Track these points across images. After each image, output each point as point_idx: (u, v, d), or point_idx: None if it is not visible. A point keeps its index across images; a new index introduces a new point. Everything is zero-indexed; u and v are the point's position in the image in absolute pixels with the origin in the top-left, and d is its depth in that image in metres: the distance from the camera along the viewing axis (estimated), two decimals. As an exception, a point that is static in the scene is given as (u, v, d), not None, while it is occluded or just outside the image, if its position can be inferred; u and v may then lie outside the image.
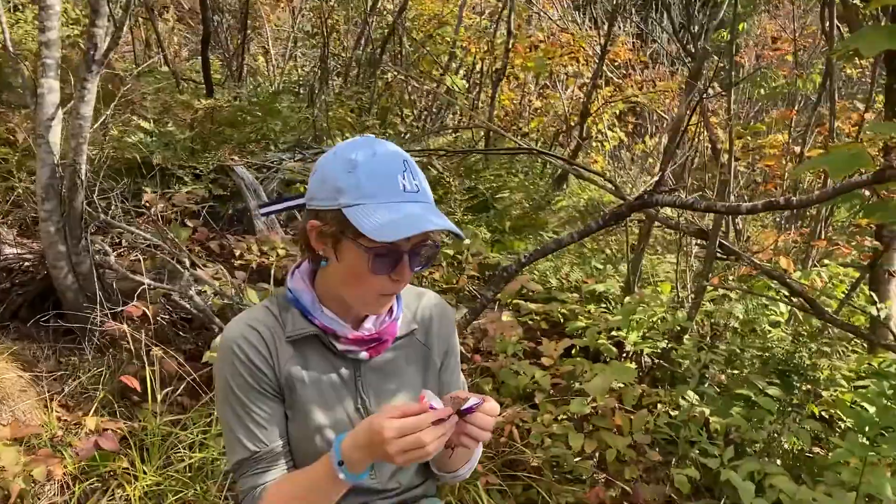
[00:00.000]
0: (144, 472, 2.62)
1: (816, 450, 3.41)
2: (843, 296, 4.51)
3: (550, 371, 3.21)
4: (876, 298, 4.27)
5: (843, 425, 3.59)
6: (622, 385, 3.10)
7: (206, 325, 3.00)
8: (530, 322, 3.81)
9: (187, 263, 2.86)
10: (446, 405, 1.27)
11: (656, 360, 3.82)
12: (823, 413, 3.53)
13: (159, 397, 2.81)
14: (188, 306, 2.87)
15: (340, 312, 1.43)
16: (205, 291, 2.89)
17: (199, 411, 2.87)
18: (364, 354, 1.44)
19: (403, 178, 1.31)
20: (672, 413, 3.13)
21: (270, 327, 1.41)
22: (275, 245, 3.51)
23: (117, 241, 3.10)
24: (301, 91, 7.47)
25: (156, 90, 4.93)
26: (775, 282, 3.82)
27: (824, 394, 3.65)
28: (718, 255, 3.48)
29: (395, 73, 7.59)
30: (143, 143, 3.64)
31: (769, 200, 2.14)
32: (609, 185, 3.30)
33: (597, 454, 3.02)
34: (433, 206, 1.35)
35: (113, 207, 3.00)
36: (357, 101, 6.70)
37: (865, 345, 4.35)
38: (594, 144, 8.55)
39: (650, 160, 9.57)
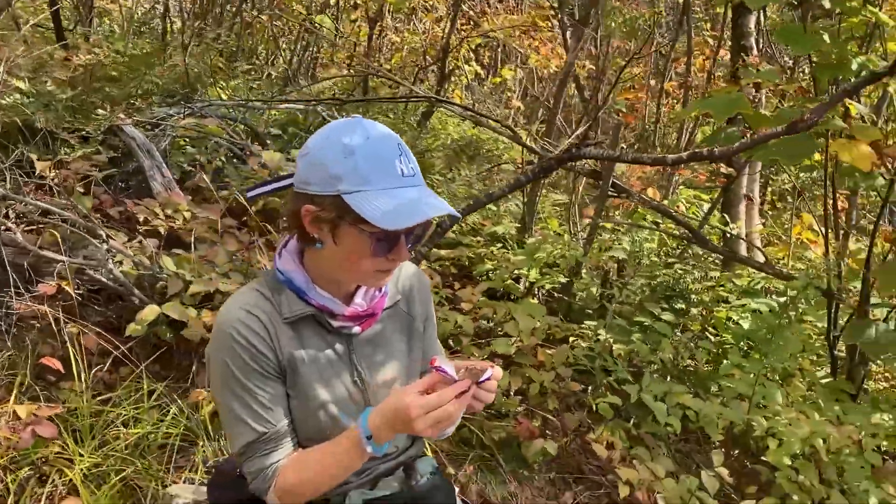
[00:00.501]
0: (81, 455, 2.54)
1: (706, 367, 3.79)
2: (701, 218, 4.94)
3: (470, 315, 3.36)
4: (728, 219, 4.75)
5: (719, 339, 4.01)
6: (538, 322, 3.31)
7: (123, 297, 2.88)
8: (440, 268, 3.93)
9: (103, 235, 2.71)
10: (460, 374, 1.36)
11: (556, 294, 4.08)
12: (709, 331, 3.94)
13: (84, 376, 2.70)
14: (105, 280, 2.73)
15: (332, 291, 1.46)
16: (121, 263, 2.76)
17: (129, 386, 2.78)
18: (356, 329, 1.49)
19: (400, 163, 1.34)
20: (583, 344, 3.40)
21: (266, 311, 1.42)
22: (179, 207, 3.38)
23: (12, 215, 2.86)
24: (152, 32, 7.01)
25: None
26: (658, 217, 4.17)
27: (696, 311, 4.07)
28: (609, 193, 3.72)
29: (258, 12, 7.28)
30: (21, 104, 3.33)
31: (694, 152, 2.36)
32: (520, 138, 3.41)
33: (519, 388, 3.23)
34: (428, 189, 1.39)
35: (7, 179, 2.76)
36: (223, 44, 6.38)
37: (718, 262, 4.86)
38: (452, 79, 8.71)
39: (507, 93, 9.90)
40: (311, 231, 1.38)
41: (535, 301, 3.96)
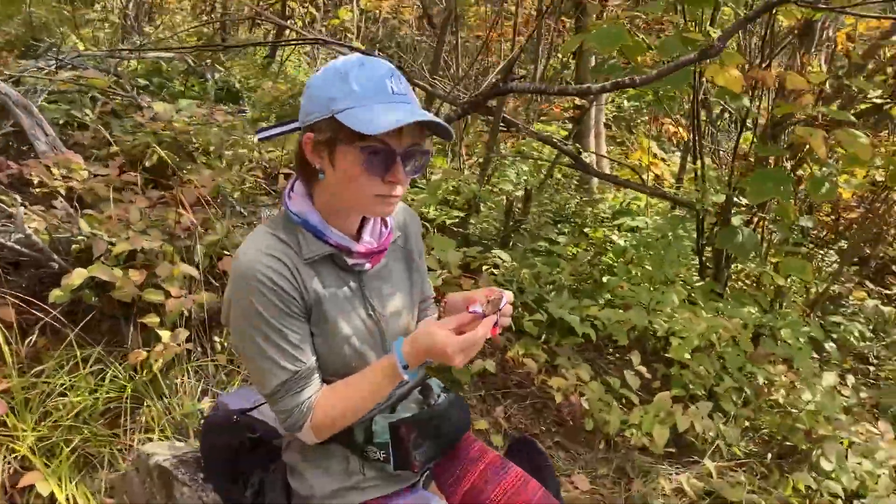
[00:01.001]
0: (24, 430, 2.43)
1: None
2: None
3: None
4: (581, 148, 5.15)
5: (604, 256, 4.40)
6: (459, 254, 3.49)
7: (40, 264, 2.72)
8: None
9: (18, 200, 2.53)
10: (483, 307, 1.50)
11: (455, 228, 4.27)
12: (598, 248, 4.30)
13: (9, 350, 2.55)
14: (19, 248, 2.57)
15: (343, 228, 1.54)
16: (37, 229, 2.60)
17: (60, 356, 2.66)
18: (367, 265, 1.58)
19: (391, 82, 1.42)
20: (495, 272, 3.63)
21: (287, 252, 1.47)
22: (74, 166, 3.20)
23: None
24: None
25: None
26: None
27: (589, 232, 4.44)
28: (501, 128, 3.93)
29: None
30: None
31: (616, 81, 2.58)
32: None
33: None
34: (420, 108, 1.48)
35: None
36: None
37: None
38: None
39: (347, 35, 9.84)
40: (312, 161, 1.45)
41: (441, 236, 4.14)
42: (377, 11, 9.05)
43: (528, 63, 6.53)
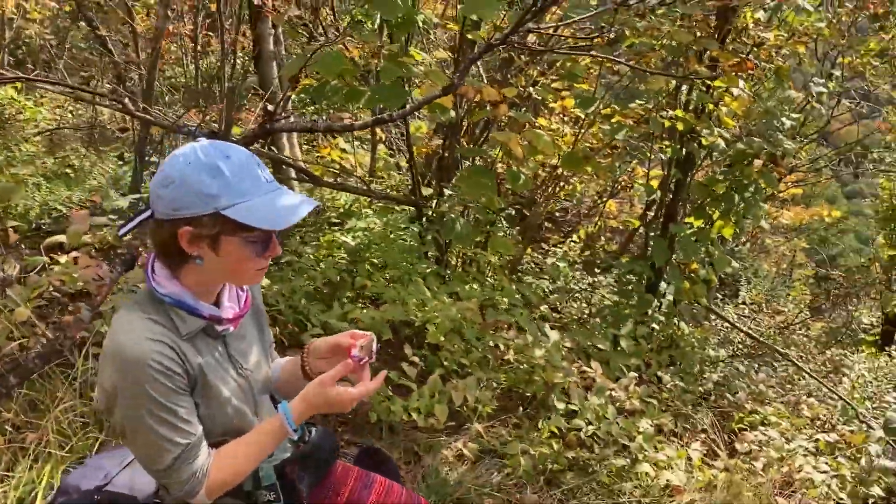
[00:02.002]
0: None
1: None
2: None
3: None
4: (276, 150, 5.39)
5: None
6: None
7: None
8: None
9: None
10: (360, 352, 1.75)
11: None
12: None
13: None
14: None
15: (207, 300, 1.69)
16: None
17: None
18: (231, 328, 1.74)
19: (261, 171, 1.59)
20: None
21: (166, 334, 1.55)
22: None
23: None
24: None
25: None
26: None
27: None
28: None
29: None
30: None
31: (378, 118, 2.85)
32: (131, 110, 3.39)
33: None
34: (289, 190, 1.68)
35: None
36: None
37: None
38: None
39: None
40: (189, 250, 1.54)
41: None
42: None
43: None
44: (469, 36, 4.08)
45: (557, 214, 8.74)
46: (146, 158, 4.43)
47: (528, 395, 3.92)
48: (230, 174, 1.50)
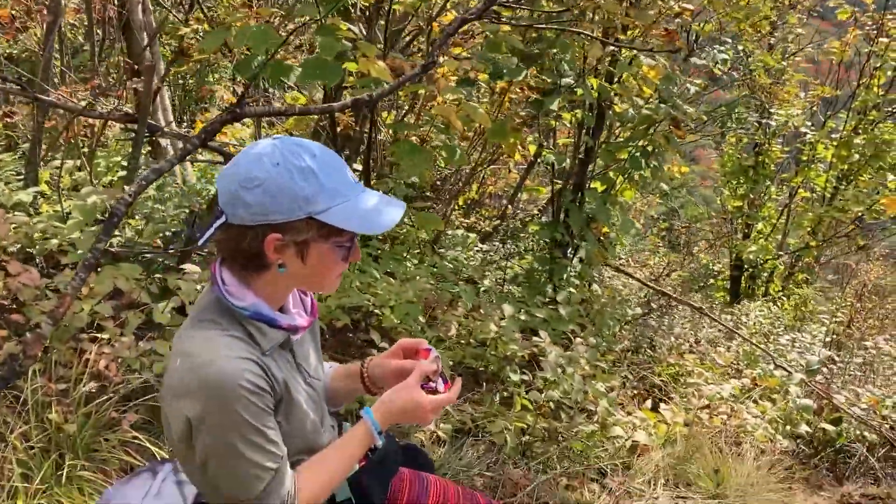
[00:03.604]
0: None
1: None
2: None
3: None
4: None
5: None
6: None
7: None
8: None
9: None
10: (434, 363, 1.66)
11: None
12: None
13: None
14: None
15: (282, 309, 1.56)
16: None
17: None
18: (298, 336, 1.60)
19: (348, 171, 1.49)
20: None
21: (251, 351, 1.41)
22: None
23: None
24: None
25: None
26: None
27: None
28: (146, 134, 3.61)
29: None
30: None
31: (358, 98, 2.65)
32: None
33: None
34: (371, 190, 1.56)
35: None
36: None
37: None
38: None
39: None
40: (274, 258, 1.41)
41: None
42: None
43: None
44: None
45: (438, 183, 8.78)
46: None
47: (480, 370, 3.93)
48: (322, 175, 1.37)
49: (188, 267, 3.13)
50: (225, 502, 1.51)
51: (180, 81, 7.83)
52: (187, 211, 3.68)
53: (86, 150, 4.03)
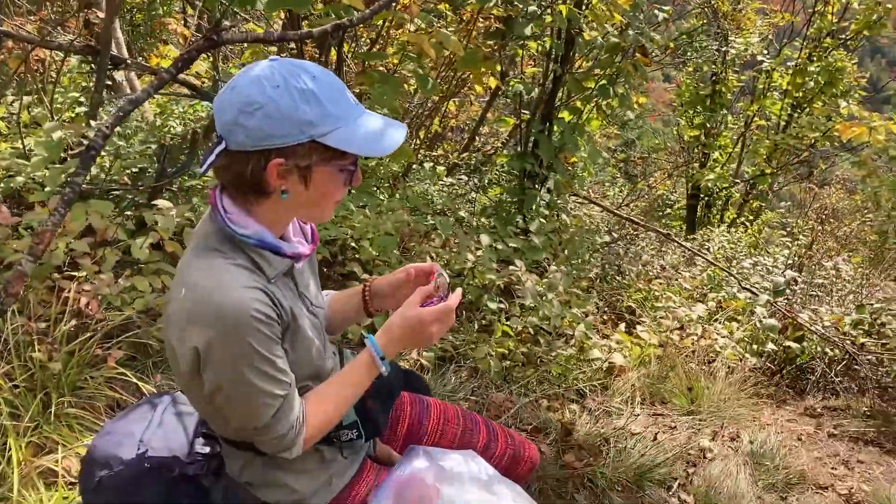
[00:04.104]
0: None
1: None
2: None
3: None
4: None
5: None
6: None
7: None
8: None
9: None
10: (440, 279, 1.65)
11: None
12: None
13: None
14: None
15: (283, 236, 1.53)
16: None
17: None
18: (297, 264, 1.57)
19: (348, 93, 1.45)
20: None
21: (258, 279, 1.39)
22: None
23: None
24: None
25: None
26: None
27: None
28: (109, 67, 3.46)
29: None
30: None
31: (338, 23, 2.54)
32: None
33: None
34: (371, 112, 1.52)
35: None
36: None
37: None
38: None
39: None
40: (276, 184, 1.37)
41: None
42: None
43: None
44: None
45: (401, 117, 8.67)
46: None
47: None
48: (324, 98, 1.33)
49: (160, 202, 3.05)
50: (233, 430, 1.52)
51: (127, 16, 7.49)
52: (154, 146, 3.57)
53: (41, 85, 3.85)
